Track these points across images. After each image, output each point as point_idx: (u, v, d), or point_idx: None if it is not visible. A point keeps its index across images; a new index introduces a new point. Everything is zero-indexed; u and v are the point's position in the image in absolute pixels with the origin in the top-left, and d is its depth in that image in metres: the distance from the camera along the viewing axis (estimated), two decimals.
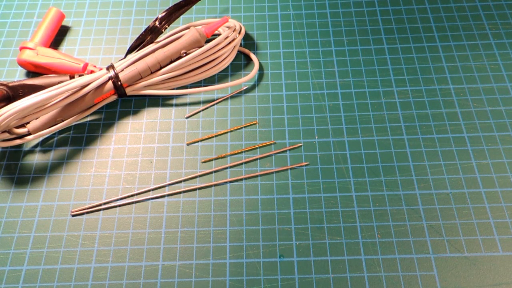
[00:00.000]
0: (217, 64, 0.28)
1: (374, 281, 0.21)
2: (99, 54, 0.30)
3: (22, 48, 0.28)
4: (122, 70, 0.26)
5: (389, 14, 0.31)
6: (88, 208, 0.24)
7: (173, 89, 0.28)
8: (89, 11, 0.32)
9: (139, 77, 0.26)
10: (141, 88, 0.27)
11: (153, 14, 0.32)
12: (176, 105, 0.27)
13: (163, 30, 0.27)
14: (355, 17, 0.31)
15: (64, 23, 0.31)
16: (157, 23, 0.27)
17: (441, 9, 0.31)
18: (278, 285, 0.21)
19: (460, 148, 0.25)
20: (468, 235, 0.22)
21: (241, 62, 0.29)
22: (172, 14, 0.27)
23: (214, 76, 0.29)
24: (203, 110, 0.27)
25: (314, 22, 0.31)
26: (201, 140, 0.26)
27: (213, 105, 0.27)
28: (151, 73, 0.26)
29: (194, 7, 0.32)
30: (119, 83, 0.25)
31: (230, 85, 0.27)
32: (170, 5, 0.30)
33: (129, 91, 0.26)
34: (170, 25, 0.29)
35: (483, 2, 0.31)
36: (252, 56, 0.29)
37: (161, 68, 0.27)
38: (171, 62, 0.27)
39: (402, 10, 0.31)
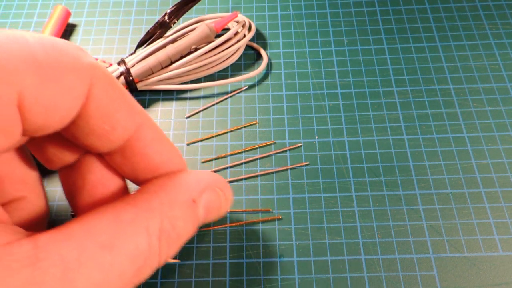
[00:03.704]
0: (226, 59, 0.28)
1: (374, 281, 0.21)
2: (99, 54, 0.30)
3: None
4: (133, 65, 0.26)
5: (389, 14, 0.31)
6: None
7: (186, 83, 0.28)
8: (89, 11, 0.32)
9: (150, 72, 0.26)
10: (152, 83, 0.27)
11: (153, 14, 0.32)
12: (176, 105, 0.27)
13: (171, 25, 0.28)
14: (355, 17, 0.31)
15: None
16: (166, 18, 0.27)
17: (441, 9, 0.31)
18: (278, 285, 0.21)
19: (460, 148, 0.25)
20: (468, 235, 0.22)
21: (252, 54, 0.29)
22: (180, 9, 0.28)
23: (224, 70, 0.29)
24: (203, 110, 0.27)
25: (314, 22, 0.31)
26: (201, 140, 0.26)
27: (213, 105, 0.27)
28: (162, 68, 0.27)
29: (206, 1, 0.32)
30: (131, 78, 0.26)
31: (242, 78, 0.27)
32: (178, 0, 0.31)
33: (140, 86, 0.26)
34: (179, 19, 0.30)
35: (483, 2, 0.31)
36: (262, 51, 0.29)
37: (172, 63, 0.27)
38: (182, 57, 0.27)
39: (402, 10, 0.31)
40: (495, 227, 0.22)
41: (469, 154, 0.25)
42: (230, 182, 0.24)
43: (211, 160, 0.25)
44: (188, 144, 0.26)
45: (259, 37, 0.30)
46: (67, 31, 0.31)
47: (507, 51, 0.29)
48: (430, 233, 0.22)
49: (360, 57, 0.29)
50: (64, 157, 0.15)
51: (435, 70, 0.28)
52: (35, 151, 0.15)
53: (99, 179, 0.15)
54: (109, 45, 0.30)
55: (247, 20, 0.28)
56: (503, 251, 0.22)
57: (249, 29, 0.29)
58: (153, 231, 0.12)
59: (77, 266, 0.10)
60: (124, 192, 0.15)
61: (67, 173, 0.15)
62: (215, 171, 0.25)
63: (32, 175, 0.15)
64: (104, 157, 0.15)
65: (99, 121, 0.12)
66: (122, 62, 0.26)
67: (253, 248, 0.22)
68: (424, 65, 0.28)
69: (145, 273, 0.12)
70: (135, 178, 0.15)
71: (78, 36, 0.31)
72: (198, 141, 0.26)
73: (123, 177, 0.15)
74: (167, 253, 0.13)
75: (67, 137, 0.13)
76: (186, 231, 0.13)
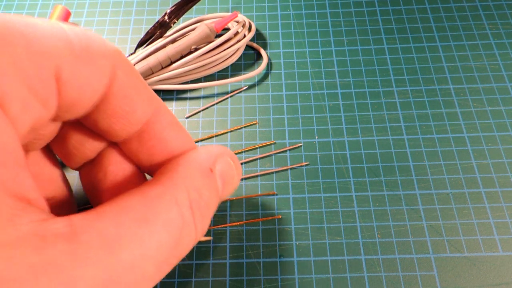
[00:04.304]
0: (226, 59, 0.28)
1: (374, 281, 0.21)
2: None
3: None
4: (134, 65, 0.26)
5: (389, 14, 0.31)
6: (89, 208, 0.24)
7: (186, 83, 0.28)
8: (89, 11, 0.32)
9: (150, 72, 0.26)
10: (152, 83, 0.27)
11: (153, 14, 0.32)
12: (176, 105, 0.27)
13: (171, 25, 0.28)
14: (355, 17, 0.31)
15: None
16: (166, 18, 0.27)
17: (441, 9, 0.31)
18: (278, 285, 0.21)
19: (460, 148, 0.25)
20: (468, 235, 0.22)
21: (252, 54, 0.29)
22: (180, 9, 0.28)
23: (224, 70, 0.29)
24: (203, 110, 0.27)
25: (314, 22, 0.31)
26: (201, 140, 0.26)
27: (213, 105, 0.27)
28: (162, 68, 0.27)
29: (206, 1, 0.32)
30: None
31: (242, 78, 0.27)
32: (178, 0, 0.31)
33: None
34: (179, 19, 0.30)
35: (483, 2, 0.31)
36: (262, 51, 0.29)
37: (172, 63, 0.27)
38: (182, 57, 0.27)
39: (402, 10, 0.31)
40: (495, 227, 0.22)
41: (469, 154, 0.25)
42: None
43: None
44: None
45: (259, 37, 0.30)
46: None
47: (507, 51, 0.29)
48: (430, 233, 0.22)
49: (360, 57, 0.29)
50: (85, 150, 0.16)
51: (435, 70, 0.28)
52: (58, 150, 0.16)
53: (120, 170, 0.16)
54: None
55: (247, 20, 0.28)
56: (503, 251, 0.22)
57: (249, 29, 0.29)
58: (182, 202, 0.12)
59: (117, 239, 0.10)
60: (142, 180, 0.16)
61: (87, 170, 0.16)
62: None
63: (58, 173, 0.16)
64: (121, 147, 0.16)
65: (120, 101, 0.13)
66: None
67: (253, 248, 0.22)
68: (424, 65, 0.28)
69: (186, 245, 0.12)
70: (151, 165, 0.16)
71: None
72: (198, 141, 0.26)
73: (139, 166, 0.16)
74: (202, 223, 0.13)
75: (88, 124, 0.14)
76: (212, 200, 0.14)
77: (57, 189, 0.16)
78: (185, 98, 0.28)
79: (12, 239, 0.09)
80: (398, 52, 0.29)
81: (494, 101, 0.27)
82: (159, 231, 0.11)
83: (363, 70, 0.28)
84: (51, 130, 0.14)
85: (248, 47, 0.30)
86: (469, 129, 0.26)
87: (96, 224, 0.10)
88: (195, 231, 0.13)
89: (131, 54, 0.27)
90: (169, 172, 0.14)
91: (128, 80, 0.13)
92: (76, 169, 0.17)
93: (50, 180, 0.16)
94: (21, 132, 0.11)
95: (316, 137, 0.26)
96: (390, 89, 0.27)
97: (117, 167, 0.16)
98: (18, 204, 0.09)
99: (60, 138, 0.15)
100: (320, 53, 0.29)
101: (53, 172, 0.16)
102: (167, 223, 0.12)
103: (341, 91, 0.27)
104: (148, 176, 0.24)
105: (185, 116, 0.27)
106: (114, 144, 0.16)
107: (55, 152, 0.16)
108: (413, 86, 0.27)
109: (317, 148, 0.25)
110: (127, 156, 0.16)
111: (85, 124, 0.14)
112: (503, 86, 0.27)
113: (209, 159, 0.15)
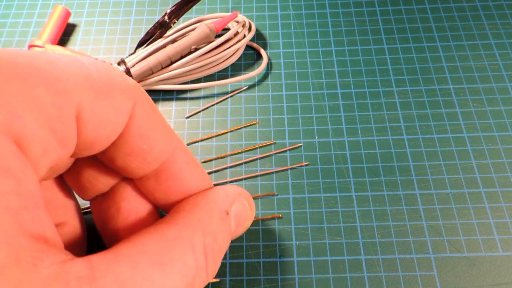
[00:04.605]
0: (226, 59, 0.28)
1: (374, 281, 0.21)
2: (99, 54, 0.30)
3: (30, 47, 0.28)
4: (134, 66, 0.26)
5: (389, 14, 0.31)
6: (89, 209, 0.24)
7: (186, 83, 0.28)
8: (89, 11, 0.32)
9: (150, 72, 0.26)
10: (152, 84, 0.27)
11: (153, 14, 0.32)
12: (176, 105, 0.27)
13: (171, 25, 0.28)
14: (355, 17, 0.31)
15: None
16: (166, 18, 0.27)
17: (441, 9, 0.31)
18: (278, 285, 0.21)
19: (460, 148, 0.25)
20: (468, 235, 0.22)
21: (252, 54, 0.29)
22: (180, 9, 0.28)
23: (224, 70, 0.29)
24: (203, 110, 0.27)
25: (314, 22, 0.31)
26: (201, 140, 0.26)
27: (213, 105, 0.27)
28: (162, 68, 0.27)
29: (206, 1, 0.32)
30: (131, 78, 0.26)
31: (242, 78, 0.27)
32: (178, 0, 0.31)
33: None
34: (179, 19, 0.30)
35: (483, 2, 0.31)
36: (262, 51, 0.29)
37: (172, 63, 0.27)
38: (182, 57, 0.27)
39: (402, 10, 0.31)
40: (495, 227, 0.22)
41: (469, 154, 0.25)
42: (230, 182, 0.24)
43: (211, 160, 0.25)
44: (188, 144, 0.26)
45: (259, 37, 0.30)
46: (67, 31, 0.31)
47: (507, 51, 0.29)
48: (430, 233, 0.22)
49: (360, 57, 0.29)
50: (98, 184, 0.15)
51: (435, 70, 0.28)
52: (71, 182, 0.16)
53: (133, 206, 0.15)
54: (109, 45, 0.30)
55: (247, 20, 0.28)
56: (503, 251, 0.22)
57: (249, 29, 0.29)
58: (198, 247, 0.12)
59: (133, 285, 0.10)
60: (155, 217, 0.16)
61: (99, 202, 0.16)
62: (215, 171, 0.25)
63: (71, 202, 0.16)
64: (136, 183, 0.15)
65: (138, 140, 0.13)
66: (122, 62, 0.26)
67: (253, 248, 0.22)
68: (424, 65, 0.28)
69: None
70: (166, 203, 0.15)
71: (78, 36, 0.31)
72: (198, 141, 0.26)
73: (153, 203, 0.16)
74: (214, 268, 0.13)
75: (104, 161, 0.14)
76: (225, 243, 0.14)
77: (69, 217, 0.16)
78: (185, 98, 0.28)
79: (37, 285, 0.09)
80: (398, 52, 0.29)
81: (494, 101, 0.27)
82: (174, 276, 0.11)
83: (363, 70, 0.28)
84: (65, 164, 0.14)
85: (248, 47, 0.30)
86: (469, 129, 0.26)
87: (114, 267, 0.10)
88: (207, 275, 0.13)
89: (131, 54, 0.27)
90: (186, 212, 0.13)
91: (147, 117, 0.13)
92: (87, 200, 0.16)
93: (63, 207, 0.16)
94: (40, 174, 0.11)
95: (316, 137, 0.26)
96: (390, 89, 0.27)
97: (130, 204, 0.15)
98: (38, 246, 0.09)
99: (73, 171, 0.15)
100: (320, 53, 0.29)
101: (66, 199, 0.16)
102: (182, 268, 0.12)
103: (341, 91, 0.27)
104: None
105: (185, 116, 0.27)
106: (129, 179, 0.16)
107: (67, 182, 0.16)
108: (413, 86, 0.27)
109: (317, 148, 0.25)
110: (142, 192, 0.16)
111: (100, 159, 0.14)
112: (503, 86, 0.27)
113: (226, 201, 0.15)
